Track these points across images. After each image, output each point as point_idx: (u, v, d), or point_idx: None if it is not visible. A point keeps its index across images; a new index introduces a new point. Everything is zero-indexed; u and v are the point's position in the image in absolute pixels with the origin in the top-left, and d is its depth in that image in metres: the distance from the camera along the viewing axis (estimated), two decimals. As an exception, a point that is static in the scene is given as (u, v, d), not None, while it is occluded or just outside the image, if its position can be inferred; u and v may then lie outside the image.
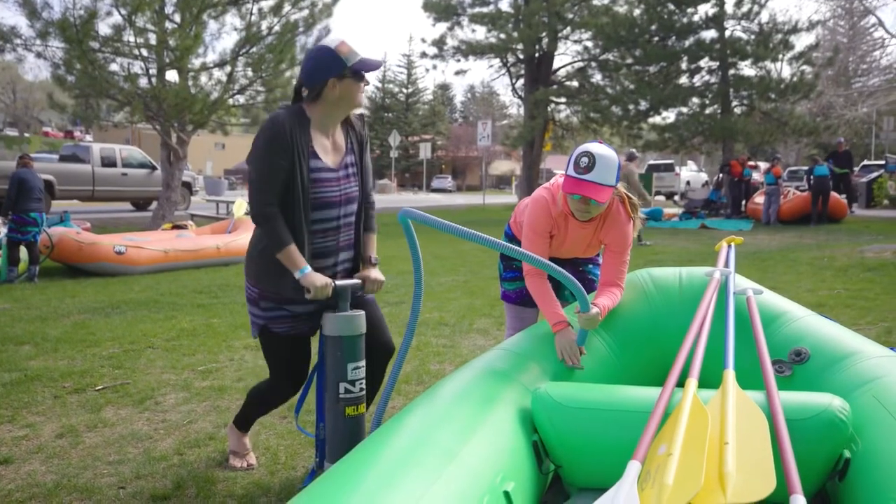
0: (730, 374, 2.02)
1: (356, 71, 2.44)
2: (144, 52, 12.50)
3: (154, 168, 17.18)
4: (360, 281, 2.60)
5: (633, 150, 11.89)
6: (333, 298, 2.49)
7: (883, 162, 22.42)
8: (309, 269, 2.43)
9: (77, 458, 2.99)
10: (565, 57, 24.30)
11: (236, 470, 2.84)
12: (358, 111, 2.65)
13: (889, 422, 1.82)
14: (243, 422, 2.91)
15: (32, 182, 7.79)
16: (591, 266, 3.04)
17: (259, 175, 2.42)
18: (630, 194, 2.73)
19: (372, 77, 2.75)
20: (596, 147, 2.46)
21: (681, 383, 2.06)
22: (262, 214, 2.42)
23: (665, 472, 1.60)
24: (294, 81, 12.62)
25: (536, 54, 22.89)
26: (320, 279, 2.42)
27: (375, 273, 2.67)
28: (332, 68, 2.42)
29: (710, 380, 2.47)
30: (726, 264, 2.97)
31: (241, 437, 2.94)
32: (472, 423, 1.84)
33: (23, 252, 7.92)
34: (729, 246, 3.19)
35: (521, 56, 23.42)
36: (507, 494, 1.70)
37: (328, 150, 2.54)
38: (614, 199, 2.66)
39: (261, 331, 2.63)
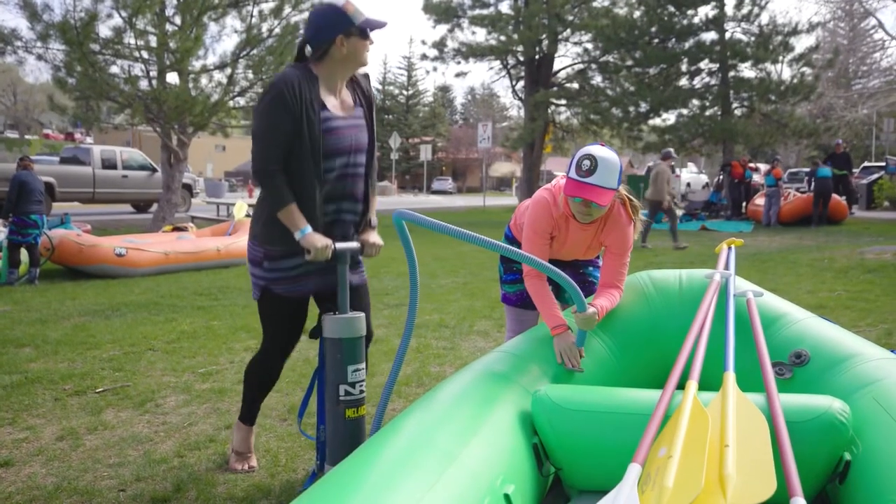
0: (730, 377, 2.02)
1: (362, 29, 2.48)
2: (145, 55, 12.51)
3: (154, 170, 17.19)
4: (359, 244, 2.63)
5: (670, 149, 11.59)
6: (332, 260, 2.50)
7: (883, 164, 22.42)
8: (309, 229, 2.45)
9: (77, 460, 2.99)
10: (565, 59, 24.39)
11: (237, 472, 2.83)
12: (363, 70, 2.68)
13: (889, 424, 1.82)
14: (247, 412, 2.89)
15: (33, 184, 7.79)
16: (591, 268, 3.04)
17: (262, 132, 2.44)
18: (631, 197, 2.73)
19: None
20: (598, 150, 2.46)
21: (681, 385, 2.06)
22: (263, 171, 2.44)
23: (665, 474, 1.60)
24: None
25: (536, 56, 22.91)
26: (320, 240, 2.44)
27: (374, 237, 2.70)
28: (339, 25, 2.46)
29: (711, 382, 2.47)
30: (726, 266, 2.97)
31: (247, 436, 2.91)
32: (473, 425, 1.84)
33: (23, 254, 7.92)
34: (729, 248, 3.19)
35: (522, 58, 23.44)
36: (507, 497, 1.70)
37: (336, 105, 2.57)
38: (615, 201, 2.66)
39: (262, 292, 2.64)
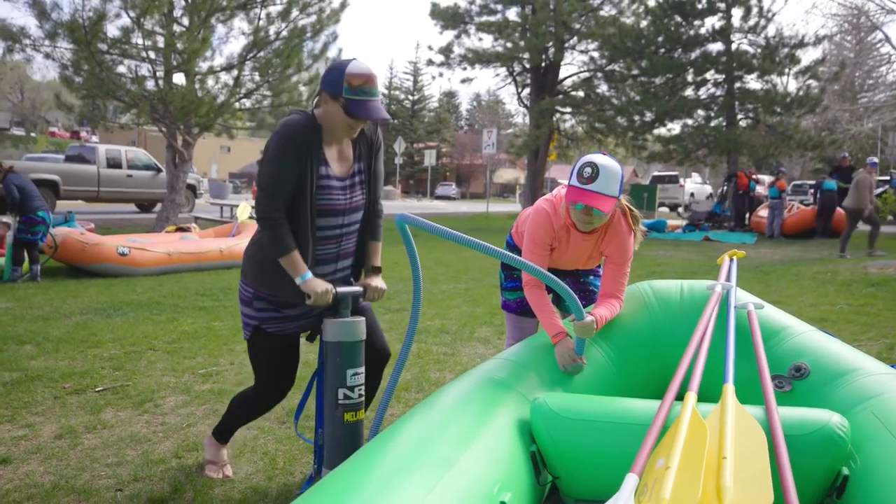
0: (729, 389, 2.02)
1: (348, 107, 2.37)
2: (152, 55, 12.54)
3: (159, 170, 17.23)
4: (361, 288, 2.60)
5: (874, 158, 11.47)
6: (334, 305, 2.50)
7: (888, 177, 22.40)
8: (310, 275, 2.44)
9: (75, 459, 2.99)
10: (571, 67, 24.51)
11: (214, 479, 2.81)
12: (361, 126, 2.60)
13: (888, 439, 1.82)
14: (224, 432, 2.87)
15: (29, 186, 7.84)
16: (592, 277, 3.04)
17: (270, 179, 2.41)
18: (632, 207, 2.73)
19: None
20: (600, 158, 2.47)
21: (680, 396, 2.06)
22: (269, 219, 2.42)
23: (662, 485, 1.60)
24: (301, 87, 12.50)
25: (543, 64, 22.94)
26: (321, 285, 2.42)
27: (377, 281, 2.67)
28: (330, 85, 2.38)
29: (710, 394, 2.47)
30: (728, 278, 2.96)
31: (220, 449, 2.89)
32: (471, 431, 1.84)
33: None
34: (731, 259, 3.19)
35: (528, 65, 23.47)
36: (503, 504, 1.70)
37: (336, 158, 2.53)
38: (616, 210, 2.66)
39: (253, 332, 2.63)
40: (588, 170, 2.43)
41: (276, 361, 2.68)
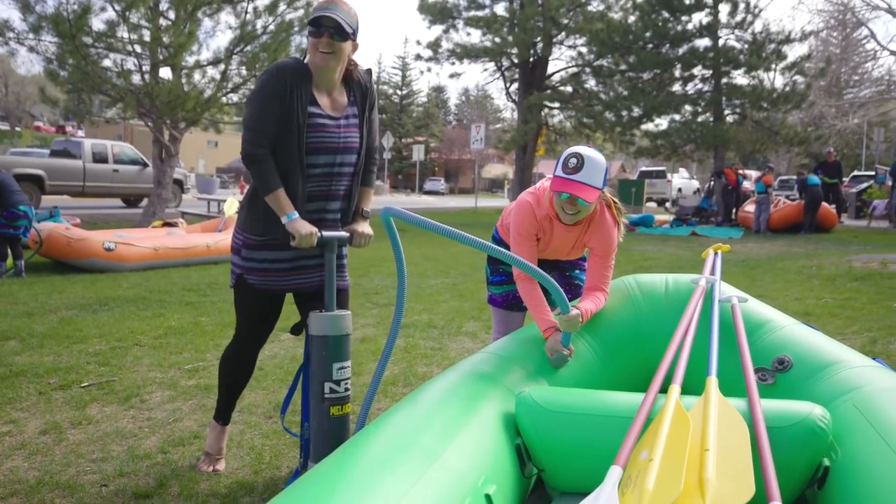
0: (712, 382, 2.04)
1: (311, 24, 2.44)
2: (138, 49, 12.44)
3: (146, 165, 17.11)
4: (347, 234, 2.62)
5: None
6: (319, 247, 2.50)
7: (873, 173, 22.58)
8: (296, 215, 2.45)
9: (60, 454, 2.98)
10: (559, 62, 24.63)
11: (202, 473, 2.81)
12: (362, 68, 2.63)
13: (868, 431, 1.84)
14: (222, 409, 2.88)
15: (8, 179, 7.77)
16: (577, 271, 3.05)
17: (252, 117, 2.44)
18: (615, 199, 2.74)
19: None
20: (585, 149, 2.50)
21: (664, 389, 2.07)
22: (251, 155, 2.44)
23: (646, 477, 1.61)
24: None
25: (531, 59, 22.95)
26: (306, 227, 2.44)
27: (364, 227, 2.69)
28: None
29: (694, 386, 2.48)
30: (712, 272, 2.98)
31: (220, 437, 2.90)
32: (456, 425, 1.84)
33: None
34: (715, 253, 3.21)
35: (516, 60, 23.48)
36: (488, 497, 1.71)
37: (328, 104, 2.55)
38: (600, 203, 2.68)
39: (237, 279, 2.65)
40: (573, 160, 2.45)
41: (256, 311, 2.70)
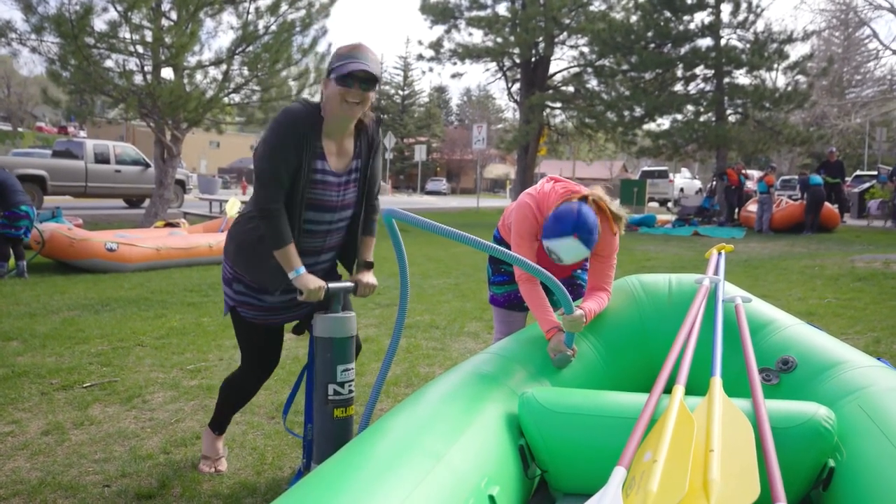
0: (716, 382, 2.03)
1: (335, 72, 2.36)
2: (140, 49, 12.46)
3: (148, 165, 17.13)
4: (353, 284, 2.59)
5: None
6: (325, 301, 2.49)
7: (875, 172, 22.54)
8: (304, 269, 2.42)
9: (62, 455, 2.98)
10: (561, 62, 24.65)
11: (202, 475, 2.81)
12: (372, 115, 2.57)
13: (873, 432, 1.83)
14: (218, 422, 2.88)
15: (10, 179, 7.77)
16: (579, 271, 3.04)
17: (269, 170, 2.38)
18: (605, 198, 2.69)
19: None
20: (561, 246, 2.45)
21: (668, 390, 2.06)
22: (267, 210, 2.38)
23: (650, 478, 1.60)
24: (290, 81, 12.45)
25: (533, 59, 22.95)
26: (314, 282, 2.40)
27: (368, 277, 2.65)
28: (328, 69, 2.40)
29: (698, 387, 2.48)
30: (716, 272, 2.97)
31: (216, 441, 2.89)
32: (459, 426, 1.84)
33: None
34: (719, 253, 3.20)
35: (518, 60, 23.47)
36: (491, 498, 1.70)
37: (335, 153, 2.50)
38: (594, 205, 2.66)
39: (231, 311, 2.64)
40: (553, 256, 2.50)
41: (257, 343, 2.69)
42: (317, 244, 2.55)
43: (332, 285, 2.47)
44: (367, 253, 2.68)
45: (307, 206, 2.46)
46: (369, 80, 2.37)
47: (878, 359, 2.43)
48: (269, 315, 2.61)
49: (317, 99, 2.52)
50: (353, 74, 2.34)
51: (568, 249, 2.43)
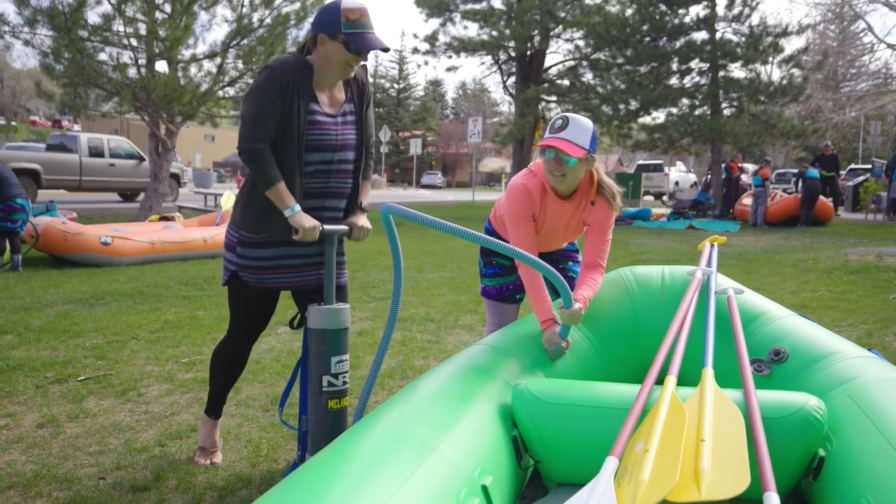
0: (708, 373, 2.04)
1: (348, 40, 2.40)
2: (134, 42, 12.40)
3: (142, 159, 17.07)
4: (347, 227, 2.62)
5: None
6: (319, 242, 2.51)
7: (870, 166, 22.60)
8: (298, 208, 2.45)
9: (57, 448, 2.98)
10: (557, 55, 24.59)
11: (197, 467, 2.81)
12: (360, 63, 2.59)
13: (863, 421, 1.85)
14: (213, 404, 2.88)
15: (6, 172, 7.74)
16: (571, 263, 3.05)
17: (252, 112, 2.42)
18: (601, 172, 2.72)
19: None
20: (571, 114, 2.57)
21: (660, 381, 2.08)
22: (251, 150, 2.41)
23: (641, 468, 1.62)
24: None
25: (528, 52, 22.92)
26: (309, 220, 2.43)
27: (363, 220, 2.69)
28: (327, 25, 2.40)
29: (690, 378, 2.49)
30: (709, 263, 2.99)
31: (213, 431, 2.89)
32: (452, 417, 1.85)
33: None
34: (712, 245, 3.21)
35: (513, 54, 23.45)
36: (485, 489, 1.71)
37: (326, 100, 2.54)
38: (589, 177, 2.67)
39: (231, 277, 2.64)
40: (559, 121, 2.55)
41: (251, 308, 2.70)
42: (320, 185, 2.57)
43: (326, 227, 2.50)
44: (361, 195, 2.72)
45: (306, 148, 2.49)
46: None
47: (869, 349, 2.45)
48: (271, 277, 2.62)
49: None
50: (367, 43, 2.40)
51: (574, 115, 2.55)
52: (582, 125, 2.53)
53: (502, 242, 2.20)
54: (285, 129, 2.44)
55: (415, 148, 35.56)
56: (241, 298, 2.68)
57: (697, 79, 20.54)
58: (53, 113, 51.35)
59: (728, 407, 1.86)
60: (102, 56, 12.52)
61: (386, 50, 2.47)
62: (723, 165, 18.57)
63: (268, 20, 13.18)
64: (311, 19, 13.43)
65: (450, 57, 24.18)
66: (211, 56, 13.29)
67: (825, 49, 27.79)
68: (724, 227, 15.20)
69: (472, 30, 23.79)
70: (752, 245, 11.43)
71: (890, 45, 27.90)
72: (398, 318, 5.17)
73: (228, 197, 10.58)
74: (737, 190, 18.03)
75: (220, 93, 13.56)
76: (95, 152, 16.59)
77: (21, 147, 20.83)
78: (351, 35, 2.39)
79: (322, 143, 2.52)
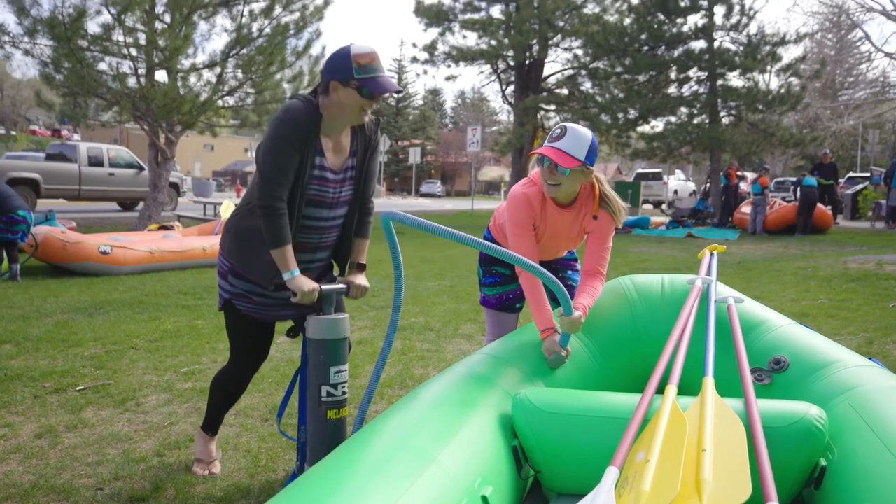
0: (709, 382, 2.03)
1: (361, 86, 2.37)
2: (133, 52, 12.43)
3: (141, 168, 17.08)
4: (345, 286, 2.60)
5: None
6: (318, 303, 2.49)
7: (868, 174, 22.63)
8: (298, 272, 2.42)
9: (55, 458, 2.97)
10: (555, 64, 24.70)
11: (196, 477, 2.80)
12: (370, 117, 2.57)
13: (864, 431, 1.84)
14: (210, 422, 2.88)
15: (2, 186, 7.78)
16: (570, 272, 3.05)
17: (274, 168, 2.37)
18: (602, 181, 2.72)
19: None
20: (572, 124, 2.56)
21: (660, 390, 2.07)
22: (271, 208, 2.38)
23: (642, 478, 1.61)
24: (284, 84, 12.44)
25: (527, 61, 22.98)
26: (308, 284, 2.41)
27: (360, 279, 2.66)
28: (339, 72, 2.37)
29: (690, 387, 2.48)
30: (708, 272, 2.98)
31: (208, 443, 2.89)
32: (452, 427, 1.84)
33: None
34: (711, 254, 3.21)
35: (512, 63, 23.51)
36: (485, 499, 1.70)
37: (332, 149, 2.51)
38: (589, 187, 2.67)
39: (225, 304, 2.63)
40: (558, 130, 2.54)
41: (248, 335, 2.69)
42: (313, 240, 2.57)
43: (324, 287, 2.47)
44: (359, 255, 2.70)
45: (306, 203, 2.47)
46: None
47: (870, 359, 2.44)
48: (263, 310, 2.62)
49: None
50: (380, 87, 2.37)
51: (573, 125, 2.55)
52: (580, 136, 2.51)
53: (504, 249, 2.19)
54: (294, 182, 2.42)
55: (414, 157, 35.60)
56: (238, 325, 2.68)
57: (696, 87, 20.58)
58: (53, 122, 51.38)
59: (729, 416, 1.85)
60: (102, 66, 12.56)
61: (399, 92, 2.43)
62: (721, 174, 18.60)
63: (267, 30, 13.22)
64: (310, 28, 13.51)
65: (449, 66, 24.23)
66: (210, 66, 13.32)
67: (823, 58, 27.83)
68: (724, 235, 15.20)
69: (470, 39, 23.98)
70: (751, 253, 11.43)
71: (887, 54, 28.00)
72: (397, 327, 5.17)
73: (228, 206, 10.57)
74: (736, 198, 18.05)
75: (220, 102, 13.58)
76: (95, 162, 16.61)
77: (21, 156, 20.83)
78: (363, 80, 2.36)
79: (321, 200, 2.50)
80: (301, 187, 2.43)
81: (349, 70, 2.36)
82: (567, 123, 2.56)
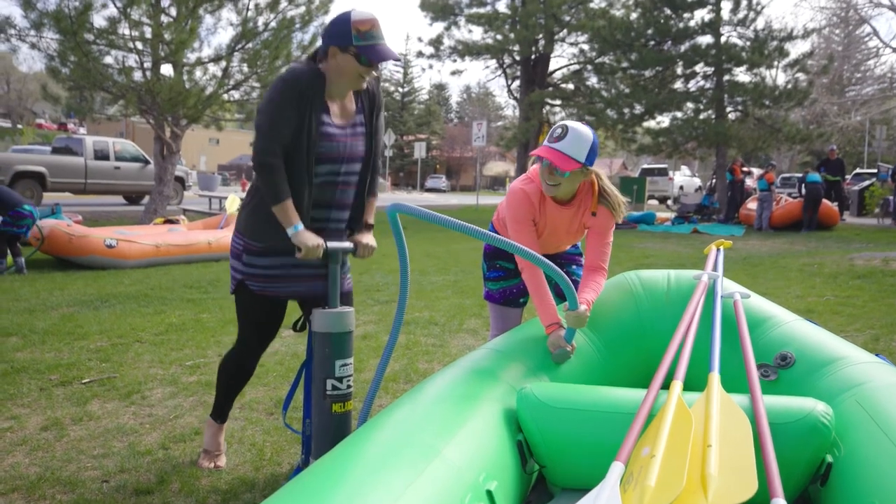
0: (715, 377, 2.03)
1: (359, 53, 2.39)
2: (139, 46, 12.44)
3: (147, 162, 17.11)
4: (352, 245, 2.61)
5: None
6: (323, 259, 2.49)
7: (875, 170, 22.54)
8: (302, 226, 2.43)
9: (61, 450, 2.98)
10: (561, 59, 24.65)
11: (201, 470, 2.81)
12: (372, 74, 2.57)
13: (871, 427, 1.83)
14: (219, 409, 2.88)
15: (3, 188, 7.84)
16: (574, 267, 3.04)
17: (267, 124, 2.40)
18: (602, 177, 2.70)
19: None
20: (574, 123, 2.53)
21: (666, 385, 2.06)
22: (264, 163, 2.40)
23: (648, 473, 1.60)
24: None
25: (532, 56, 22.94)
26: (312, 239, 2.41)
27: (368, 238, 2.67)
28: (338, 38, 2.39)
29: (696, 382, 2.48)
30: (714, 268, 2.97)
31: (217, 434, 2.89)
32: (457, 421, 1.84)
33: None
34: (717, 249, 3.20)
35: (518, 57, 23.47)
36: (489, 493, 1.70)
37: (337, 110, 2.53)
38: (590, 183, 2.66)
39: (238, 285, 2.63)
40: (558, 130, 2.51)
41: (258, 317, 2.69)
42: (326, 196, 2.56)
43: (330, 244, 2.48)
44: (367, 214, 2.71)
45: (317, 161, 2.48)
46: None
47: (877, 355, 2.43)
48: (275, 285, 2.61)
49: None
50: (379, 55, 2.39)
51: (575, 124, 2.52)
52: (581, 136, 2.48)
53: (510, 241, 2.19)
54: (296, 141, 2.43)
55: (419, 151, 35.59)
56: (249, 307, 2.67)
57: (702, 83, 20.50)
58: (59, 116, 51.43)
59: (735, 412, 1.85)
60: (108, 59, 12.58)
61: (398, 60, 2.46)
62: (714, 171, 18.56)
63: (273, 24, 13.22)
64: (315, 23, 13.49)
65: (454, 61, 24.23)
66: (216, 59, 13.32)
67: (830, 53, 27.71)
68: (729, 231, 15.16)
69: (476, 33, 23.95)
70: (757, 249, 11.40)
71: (895, 50, 27.83)
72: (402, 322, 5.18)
73: (233, 200, 10.60)
74: (742, 194, 17.99)
75: (225, 96, 13.59)
76: (101, 155, 16.64)
77: (27, 150, 20.89)
78: (362, 47, 2.37)
79: (330, 155, 2.51)
80: (307, 145, 2.43)
81: (348, 36, 2.37)
82: (568, 123, 2.53)
